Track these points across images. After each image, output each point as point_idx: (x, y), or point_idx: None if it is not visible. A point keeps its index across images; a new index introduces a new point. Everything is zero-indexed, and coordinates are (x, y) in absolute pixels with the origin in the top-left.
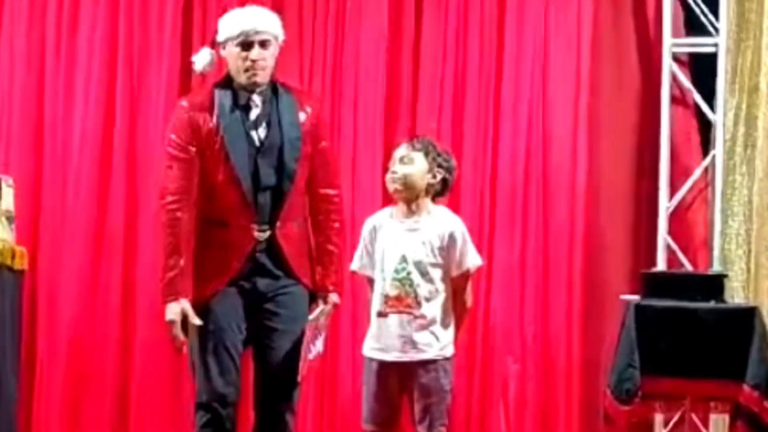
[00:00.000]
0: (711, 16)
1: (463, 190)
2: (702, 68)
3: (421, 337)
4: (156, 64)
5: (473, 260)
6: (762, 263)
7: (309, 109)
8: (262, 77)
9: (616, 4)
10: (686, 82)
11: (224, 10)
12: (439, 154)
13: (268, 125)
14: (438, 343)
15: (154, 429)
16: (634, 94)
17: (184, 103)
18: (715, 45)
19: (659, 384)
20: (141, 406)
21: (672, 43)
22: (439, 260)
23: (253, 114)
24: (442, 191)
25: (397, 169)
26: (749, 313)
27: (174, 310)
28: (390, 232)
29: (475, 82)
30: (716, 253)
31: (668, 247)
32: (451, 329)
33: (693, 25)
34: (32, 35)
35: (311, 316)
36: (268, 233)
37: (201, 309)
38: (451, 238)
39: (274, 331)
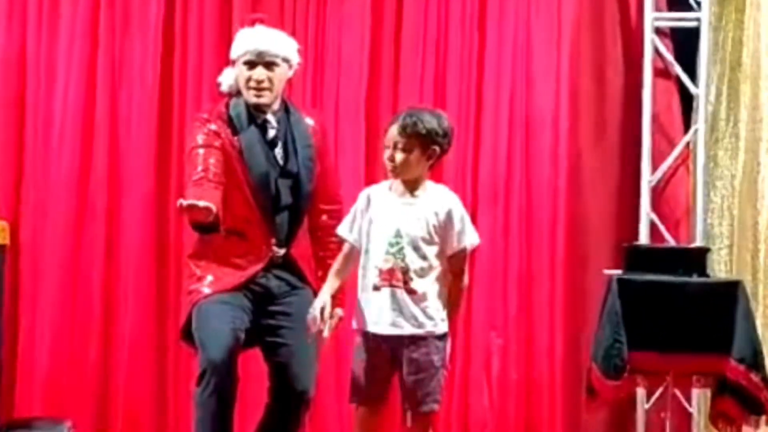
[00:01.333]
0: None
1: (446, 164)
2: (685, 41)
3: (411, 311)
4: (138, 35)
5: (471, 239)
6: (745, 237)
7: (316, 126)
8: (267, 98)
9: None
10: (669, 55)
11: None
12: (428, 131)
13: (285, 146)
14: (429, 320)
15: (137, 403)
16: (617, 68)
17: (204, 115)
18: (698, 19)
19: (643, 358)
20: (124, 381)
21: (654, 17)
22: (434, 237)
23: (270, 133)
24: (441, 154)
25: (395, 156)
26: (733, 287)
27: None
28: (385, 205)
29: (457, 58)
30: (699, 227)
31: (651, 222)
32: (444, 306)
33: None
34: (13, 6)
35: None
36: (284, 250)
37: (206, 299)
38: (449, 216)
39: (284, 328)
